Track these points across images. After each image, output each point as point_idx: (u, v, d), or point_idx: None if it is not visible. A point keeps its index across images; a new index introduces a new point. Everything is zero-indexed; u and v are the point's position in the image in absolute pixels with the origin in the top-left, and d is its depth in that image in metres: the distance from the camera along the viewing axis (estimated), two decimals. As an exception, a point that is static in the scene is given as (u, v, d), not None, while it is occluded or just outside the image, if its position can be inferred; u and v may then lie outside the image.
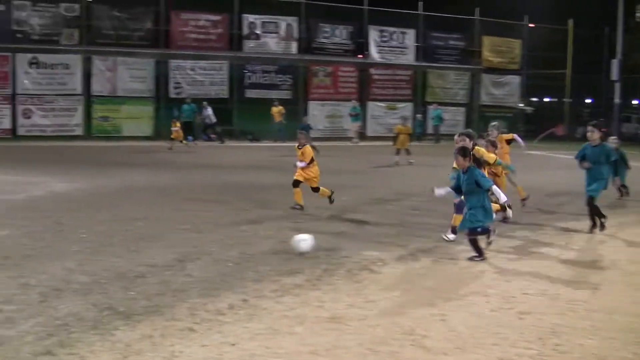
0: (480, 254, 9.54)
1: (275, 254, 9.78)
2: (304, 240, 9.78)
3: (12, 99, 33.98)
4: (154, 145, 30.83)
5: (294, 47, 38.86)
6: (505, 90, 44.26)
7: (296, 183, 13.71)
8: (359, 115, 38.02)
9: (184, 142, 29.18)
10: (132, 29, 35.93)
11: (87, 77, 35.16)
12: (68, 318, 6.76)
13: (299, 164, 13.70)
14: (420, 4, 40.60)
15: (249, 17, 37.80)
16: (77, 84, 34.93)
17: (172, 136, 29.12)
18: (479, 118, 41.32)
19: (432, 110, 40.80)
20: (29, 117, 34.01)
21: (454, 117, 41.85)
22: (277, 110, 35.37)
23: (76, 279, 8.27)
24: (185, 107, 34.25)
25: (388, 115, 40.17)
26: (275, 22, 38.32)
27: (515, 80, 44.49)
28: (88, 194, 15.93)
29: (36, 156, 26.03)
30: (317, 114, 38.77)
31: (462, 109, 43.07)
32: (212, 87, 37.09)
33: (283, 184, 15.37)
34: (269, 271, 8.79)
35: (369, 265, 9.25)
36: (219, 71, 37.20)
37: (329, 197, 14.09)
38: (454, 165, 10.46)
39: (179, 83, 36.46)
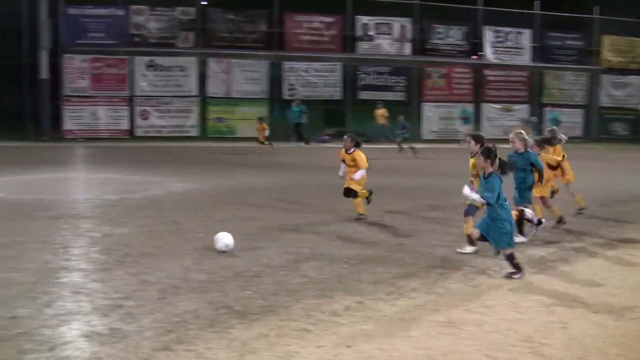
0: (518, 269, 8.60)
1: (391, 256, 9.65)
2: (221, 239, 9.68)
3: (130, 100, 34.37)
4: (280, 147, 30.58)
5: (407, 48, 38.27)
6: (627, 92, 42.62)
7: (349, 192, 12.76)
8: (469, 119, 36.95)
9: (267, 143, 28.83)
10: (247, 32, 36.13)
11: (202, 79, 35.35)
12: (186, 315, 6.82)
13: (341, 173, 12.83)
14: (537, 3, 39.66)
15: (362, 19, 37.54)
16: (192, 86, 35.28)
17: (259, 138, 28.66)
18: (598, 120, 39.71)
19: (548, 112, 39.34)
20: (146, 118, 34.46)
21: (571, 119, 40.35)
22: (380, 112, 34.82)
23: (194, 277, 8.33)
24: (294, 109, 34.32)
25: (503, 117, 39.10)
26: (388, 24, 37.95)
27: (636, 80, 42.83)
28: (204, 194, 16.03)
29: (153, 156, 26.59)
30: (431, 115, 38.12)
31: (580, 111, 41.55)
32: (325, 89, 36.87)
33: (397, 186, 14.65)
34: (384, 273, 8.65)
35: (486, 270, 8.95)
36: (332, 73, 36.95)
37: (367, 198, 12.95)
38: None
39: (292, 85, 36.23)
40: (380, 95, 37.23)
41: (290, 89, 36.53)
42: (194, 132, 35.21)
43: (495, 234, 8.43)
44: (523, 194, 10.78)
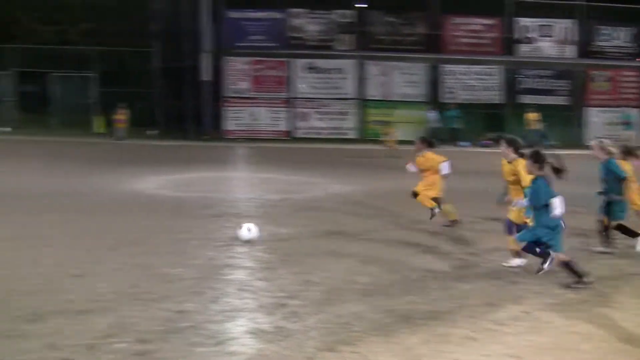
0: (580, 276, 7.99)
1: (559, 267, 8.91)
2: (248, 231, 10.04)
3: (289, 102, 34.31)
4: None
5: (570, 51, 36.79)
6: None
7: (435, 200, 12.06)
8: (632, 124, 35.08)
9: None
10: (405, 34, 35.58)
11: (360, 81, 34.91)
12: (350, 317, 6.78)
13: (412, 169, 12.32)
14: None
15: (523, 21, 36.32)
16: (350, 88, 35.02)
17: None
18: None
19: None
20: (305, 120, 34.08)
21: None
22: (532, 116, 33.43)
23: (357, 279, 8.29)
24: (450, 112, 33.78)
25: (672, 124, 36.89)
26: (550, 25, 36.67)
27: None
28: (364, 196, 16.00)
29: (312, 157, 26.77)
30: (596, 120, 36.37)
31: None
32: (484, 92, 35.99)
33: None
34: (551, 283, 8.22)
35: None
36: (492, 76, 36.01)
37: (431, 209, 12.18)
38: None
39: (451, 88, 35.36)
40: (541, 99, 35.92)
41: (449, 92, 35.63)
42: (352, 134, 34.81)
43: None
44: (611, 208, 9.80)
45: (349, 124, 34.97)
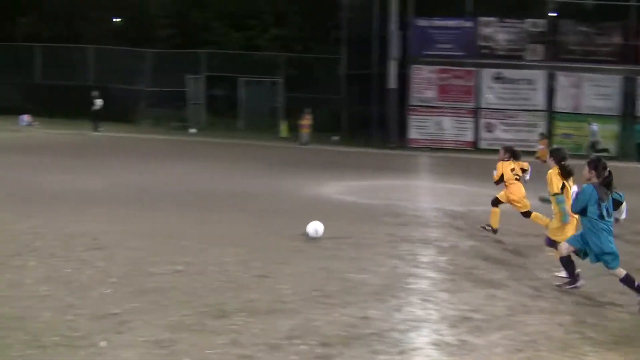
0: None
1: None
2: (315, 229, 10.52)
3: (475, 112, 33.81)
4: (619, 167, 28.04)
5: None
6: None
7: (495, 202, 11.85)
8: None
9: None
10: (600, 44, 34.04)
11: (549, 93, 33.83)
12: (536, 335, 6.59)
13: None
14: None
15: None
16: (539, 100, 34.05)
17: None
18: None
19: None
20: (490, 131, 33.58)
21: None
22: None
23: (543, 296, 8.05)
24: (638, 127, 32.11)
25: None
26: None
27: None
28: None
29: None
30: None
31: None
32: (683, 107, 33.57)
33: None
34: None
35: None
36: (690, 89, 33.58)
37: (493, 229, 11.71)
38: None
39: (647, 101, 33.56)
40: None
41: (644, 106, 33.82)
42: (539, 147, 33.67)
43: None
44: None
45: (536, 137, 33.91)
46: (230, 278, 8.15)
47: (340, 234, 11.17)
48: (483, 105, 34.33)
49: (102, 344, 5.85)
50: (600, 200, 7.66)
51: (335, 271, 8.69)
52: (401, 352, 5.99)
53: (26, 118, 35.18)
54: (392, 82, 33.91)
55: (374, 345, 6.11)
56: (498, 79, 34.31)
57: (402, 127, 34.35)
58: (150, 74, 40.09)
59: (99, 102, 33.83)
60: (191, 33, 44.76)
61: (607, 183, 7.75)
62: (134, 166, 20.54)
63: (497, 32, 34.73)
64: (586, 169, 7.94)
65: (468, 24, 34.91)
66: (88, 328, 6.21)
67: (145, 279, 7.96)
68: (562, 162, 9.14)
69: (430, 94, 34.63)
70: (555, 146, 10.19)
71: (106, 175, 17.98)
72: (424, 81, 34.68)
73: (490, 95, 34.26)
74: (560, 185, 9.04)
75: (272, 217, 12.71)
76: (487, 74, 34.43)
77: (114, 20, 50.39)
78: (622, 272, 7.70)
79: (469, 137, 34.25)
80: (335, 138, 35.38)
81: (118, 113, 37.16)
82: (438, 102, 34.53)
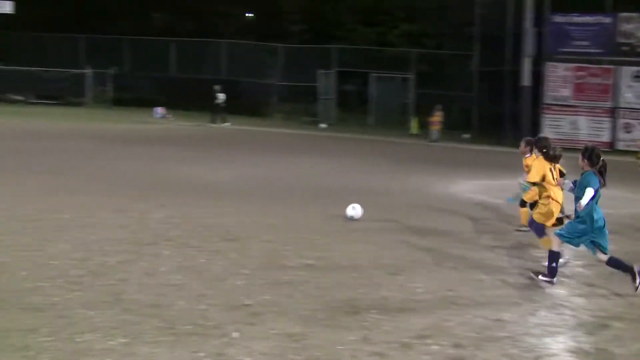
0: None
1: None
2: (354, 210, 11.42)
3: (612, 112, 32.48)
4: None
5: None
6: None
7: (522, 202, 11.06)
8: None
9: None
10: None
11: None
12: None
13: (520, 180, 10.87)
14: None
15: None
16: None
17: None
18: None
19: None
20: (629, 132, 32.12)
21: None
22: None
23: None
24: None
25: None
26: None
27: None
28: None
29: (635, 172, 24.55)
30: None
31: None
32: None
33: None
34: None
35: None
36: None
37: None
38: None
39: None
40: None
41: None
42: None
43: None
44: None
45: (679, 138, 32.38)
46: (361, 274, 8.14)
47: (468, 234, 11.02)
48: (621, 105, 32.90)
49: (235, 334, 5.95)
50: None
51: (466, 271, 8.56)
52: (537, 358, 5.84)
53: (160, 110, 36.43)
54: (526, 80, 33.06)
55: (507, 349, 5.99)
56: (637, 77, 32.81)
57: (535, 126, 33.33)
58: (281, 68, 40.70)
59: (221, 96, 34.57)
60: (322, 28, 45.10)
61: (601, 171, 8.06)
62: (264, 159, 20.85)
63: (638, 28, 33.21)
64: (580, 157, 8.24)
65: (607, 19, 33.53)
66: (220, 318, 6.34)
67: (277, 271, 8.06)
68: (544, 150, 9.56)
69: (566, 92, 33.50)
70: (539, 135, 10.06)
71: (237, 167, 18.38)
72: (559, 79, 33.59)
73: (629, 94, 32.79)
74: (542, 175, 9.22)
75: (400, 215, 12.57)
76: (627, 72, 32.97)
77: (246, 15, 51.45)
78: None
79: (605, 137, 32.91)
80: (466, 136, 34.81)
81: (249, 107, 37.89)
82: (573, 101, 33.38)
